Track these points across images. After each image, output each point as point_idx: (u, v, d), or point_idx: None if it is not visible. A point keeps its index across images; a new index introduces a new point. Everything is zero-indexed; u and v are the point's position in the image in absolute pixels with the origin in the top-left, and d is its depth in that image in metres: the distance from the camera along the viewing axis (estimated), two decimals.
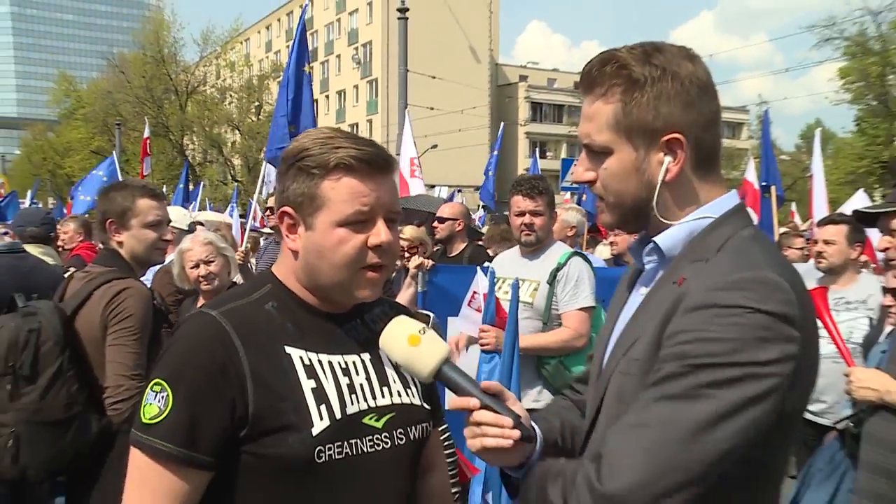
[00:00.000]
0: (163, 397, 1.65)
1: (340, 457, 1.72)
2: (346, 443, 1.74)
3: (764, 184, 11.93)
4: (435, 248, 6.92)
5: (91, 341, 3.29)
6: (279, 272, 1.88)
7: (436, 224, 7.05)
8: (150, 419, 1.65)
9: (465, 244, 6.89)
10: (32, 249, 4.82)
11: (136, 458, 1.67)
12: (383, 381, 1.87)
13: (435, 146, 35.00)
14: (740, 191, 12.93)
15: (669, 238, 1.68)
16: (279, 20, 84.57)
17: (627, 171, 1.66)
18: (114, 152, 16.57)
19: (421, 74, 30.05)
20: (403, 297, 5.18)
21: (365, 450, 1.77)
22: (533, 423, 1.75)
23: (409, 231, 6.47)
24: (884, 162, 38.18)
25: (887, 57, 36.74)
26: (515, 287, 4.20)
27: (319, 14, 78.14)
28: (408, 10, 19.42)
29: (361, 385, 1.81)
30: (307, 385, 1.73)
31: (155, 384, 1.68)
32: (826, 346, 5.06)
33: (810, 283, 5.47)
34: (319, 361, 1.78)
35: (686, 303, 1.53)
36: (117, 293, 3.34)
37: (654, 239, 1.70)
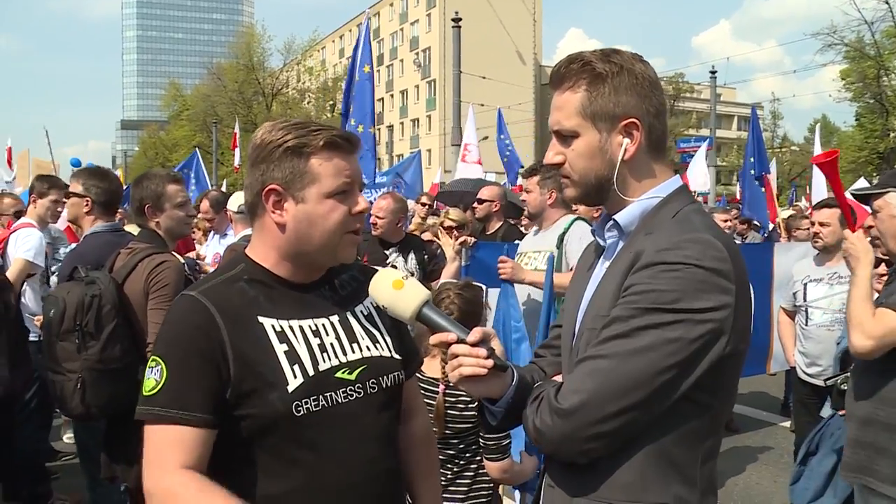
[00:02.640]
0: (158, 370, 1.65)
1: (317, 409, 1.72)
2: (320, 396, 1.73)
3: (761, 174, 11.65)
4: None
5: (137, 304, 3.41)
6: (252, 252, 1.85)
7: (475, 205, 6.97)
8: (149, 391, 1.65)
9: (501, 223, 6.79)
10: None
11: (147, 432, 1.65)
12: (352, 339, 1.86)
13: (486, 138, 34.68)
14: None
15: (627, 215, 1.71)
16: (351, 31, 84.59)
17: (592, 151, 1.69)
18: (196, 149, 16.94)
19: (473, 75, 29.72)
20: (449, 271, 5.11)
21: (339, 400, 1.76)
22: (511, 364, 1.76)
23: (454, 213, 6.42)
24: (880, 152, 38.80)
25: (881, 61, 37.27)
26: (552, 260, 4.24)
27: (385, 24, 78.26)
28: (461, 19, 19.23)
29: (332, 344, 1.81)
30: (280, 349, 1.72)
31: (151, 361, 1.68)
32: (820, 317, 5.07)
33: (810, 259, 5.34)
34: (290, 327, 1.77)
35: (639, 263, 1.57)
36: (157, 265, 3.45)
37: (614, 217, 1.73)
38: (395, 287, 1.69)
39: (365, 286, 1.94)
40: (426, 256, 5.88)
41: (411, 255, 5.80)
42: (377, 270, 1.89)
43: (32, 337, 5.19)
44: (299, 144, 1.73)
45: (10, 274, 5.14)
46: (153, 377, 1.65)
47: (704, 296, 1.49)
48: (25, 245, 5.35)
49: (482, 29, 55.67)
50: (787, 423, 7.55)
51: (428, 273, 5.72)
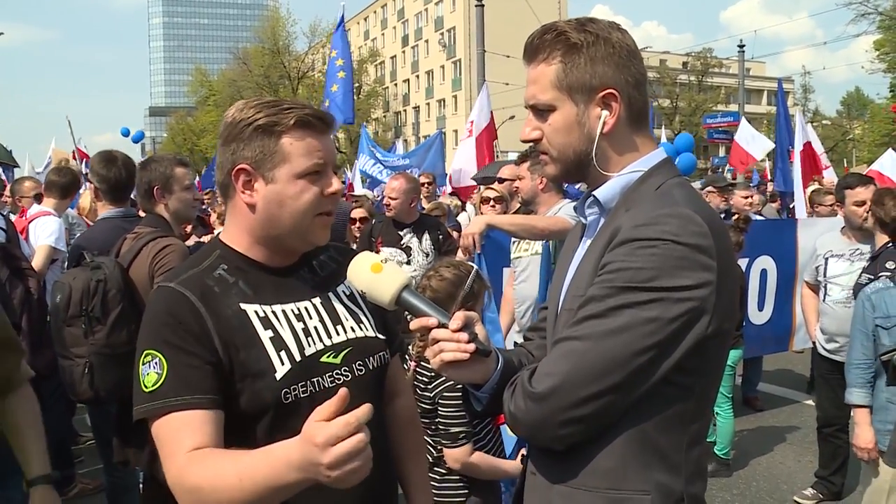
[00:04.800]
0: (156, 363, 1.59)
1: (305, 395, 1.68)
2: (308, 381, 1.70)
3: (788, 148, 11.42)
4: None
5: (142, 288, 3.39)
6: (227, 238, 1.81)
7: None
8: (154, 386, 1.58)
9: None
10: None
11: (156, 427, 1.58)
12: (336, 321, 1.81)
13: (512, 117, 34.44)
14: (802, 155, 12.32)
15: (607, 191, 1.64)
16: (375, 12, 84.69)
17: (570, 125, 1.62)
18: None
19: (497, 54, 29.44)
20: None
21: (327, 385, 1.72)
22: (495, 349, 1.70)
23: (500, 186, 6.45)
24: None
25: None
26: (547, 247, 4.27)
27: (410, 4, 78.04)
28: None
29: (315, 327, 1.76)
30: (265, 335, 1.68)
31: (145, 356, 1.62)
32: (838, 293, 4.98)
33: (836, 233, 5.22)
34: (273, 312, 1.72)
35: (616, 239, 1.51)
36: (161, 248, 3.45)
37: (594, 193, 1.66)
38: (374, 271, 1.64)
39: (343, 266, 1.87)
40: (440, 236, 5.85)
41: (426, 236, 5.77)
42: (353, 251, 1.84)
43: None
44: (270, 123, 1.69)
45: (36, 261, 5.28)
46: (153, 371, 1.59)
47: (683, 273, 1.42)
48: (46, 231, 5.53)
49: (506, 7, 55.15)
50: (813, 401, 7.46)
51: (443, 253, 5.69)
